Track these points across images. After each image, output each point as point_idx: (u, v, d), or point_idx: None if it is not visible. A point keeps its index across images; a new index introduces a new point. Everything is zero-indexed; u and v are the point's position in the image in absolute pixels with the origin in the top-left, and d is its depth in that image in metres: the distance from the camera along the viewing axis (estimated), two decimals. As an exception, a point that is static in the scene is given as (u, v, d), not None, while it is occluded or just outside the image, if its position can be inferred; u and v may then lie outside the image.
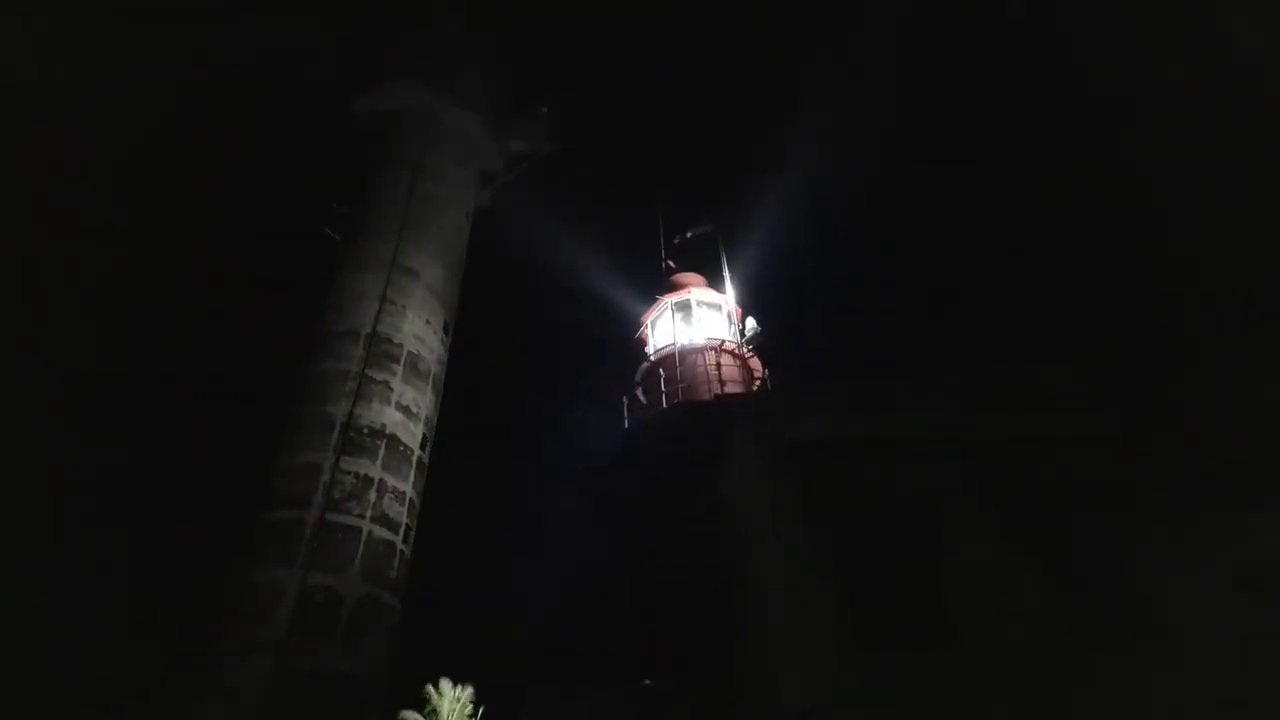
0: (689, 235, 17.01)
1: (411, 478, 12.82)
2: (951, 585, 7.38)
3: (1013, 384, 9.23)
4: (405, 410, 13.08)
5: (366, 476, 11.87)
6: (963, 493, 8.00)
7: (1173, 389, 8.83)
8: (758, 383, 16.18)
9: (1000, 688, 6.79)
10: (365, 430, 12.19)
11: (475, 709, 10.09)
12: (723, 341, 16.88)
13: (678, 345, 16.89)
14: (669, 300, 17.91)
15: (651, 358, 17.21)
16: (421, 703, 9.91)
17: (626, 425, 16.50)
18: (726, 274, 15.86)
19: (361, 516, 11.52)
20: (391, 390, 12.92)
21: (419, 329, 14.19)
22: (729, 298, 16.90)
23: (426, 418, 13.86)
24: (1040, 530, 7.77)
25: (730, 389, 14.45)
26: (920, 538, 7.69)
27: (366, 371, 12.68)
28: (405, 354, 13.57)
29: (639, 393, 17.21)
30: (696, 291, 17.84)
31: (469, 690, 10.13)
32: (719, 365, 14.99)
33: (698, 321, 17.27)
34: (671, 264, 18.49)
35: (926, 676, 6.87)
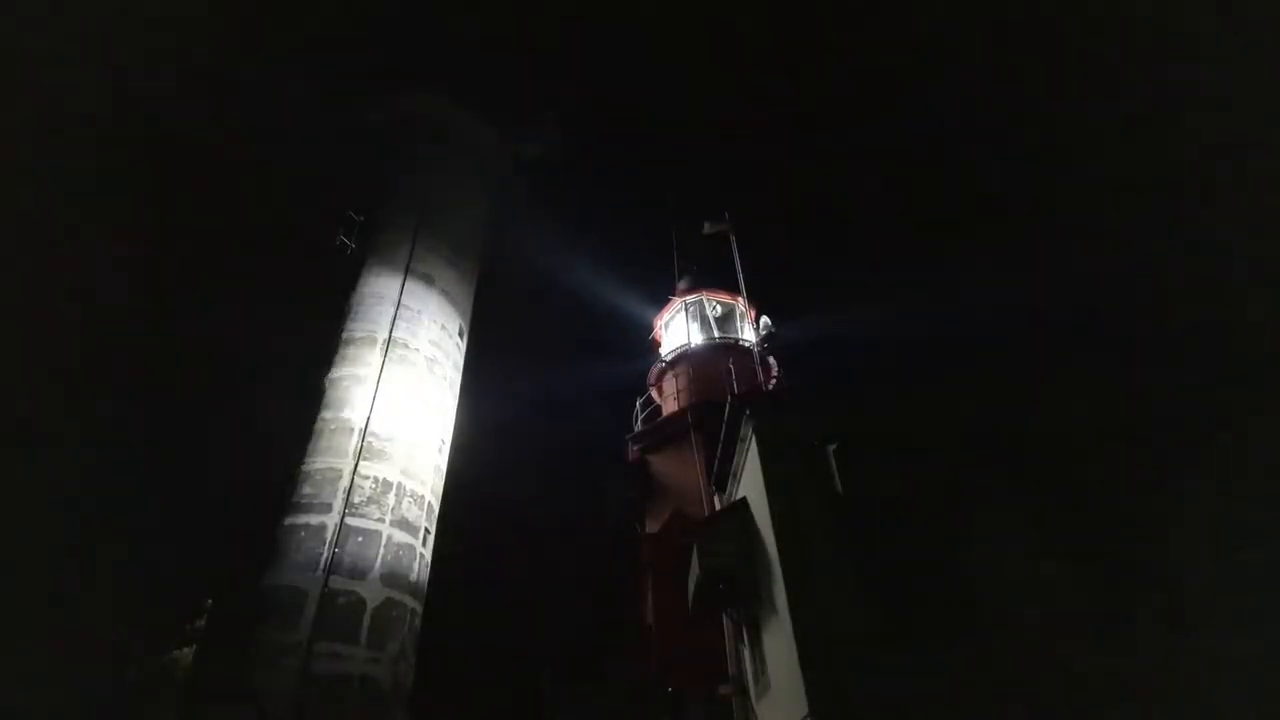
0: (704, 231, 17.03)
1: (430, 482, 12.91)
2: (976, 580, 7.35)
3: (1037, 376, 9.20)
4: (423, 414, 13.18)
5: (385, 481, 11.97)
6: (986, 487, 7.96)
7: (1197, 382, 8.77)
8: (773, 381, 16.18)
9: (1028, 683, 6.77)
10: (384, 435, 12.30)
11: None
12: (737, 340, 16.89)
13: (691, 345, 16.92)
14: (682, 300, 17.95)
15: (665, 358, 17.25)
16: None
17: (640, 427, 16.55)
18: (739, 272, 15.84)
19: (381, 520, 11.63)
20: (409, 395, 13.03)
21: (435, 334, 14.31)
22: (742, 296, 16.91)
23: (444, 422, 13.97)
24: (1066, 524, 7.72)
25: (745, 387, 14.44)
26: (943, 533, 7.66)
27: (384, 377, 12.79)
28: (422, 359, 13.69)
29: (653, 393, 17.26)
30: (709, 291, 17.87)
31: None
32: (733, 364, 14.99)
33: (711, 321, 17.29)
34: (695, 267, 18.51)
35: (953, 673, 6.85)
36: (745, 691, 10.09)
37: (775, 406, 9.71)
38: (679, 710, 11.98)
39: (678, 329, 17.72)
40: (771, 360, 16.28)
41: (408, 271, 14.41)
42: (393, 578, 11.39)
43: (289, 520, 11.18)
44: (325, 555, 10.88)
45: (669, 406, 16.19)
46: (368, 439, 12.10)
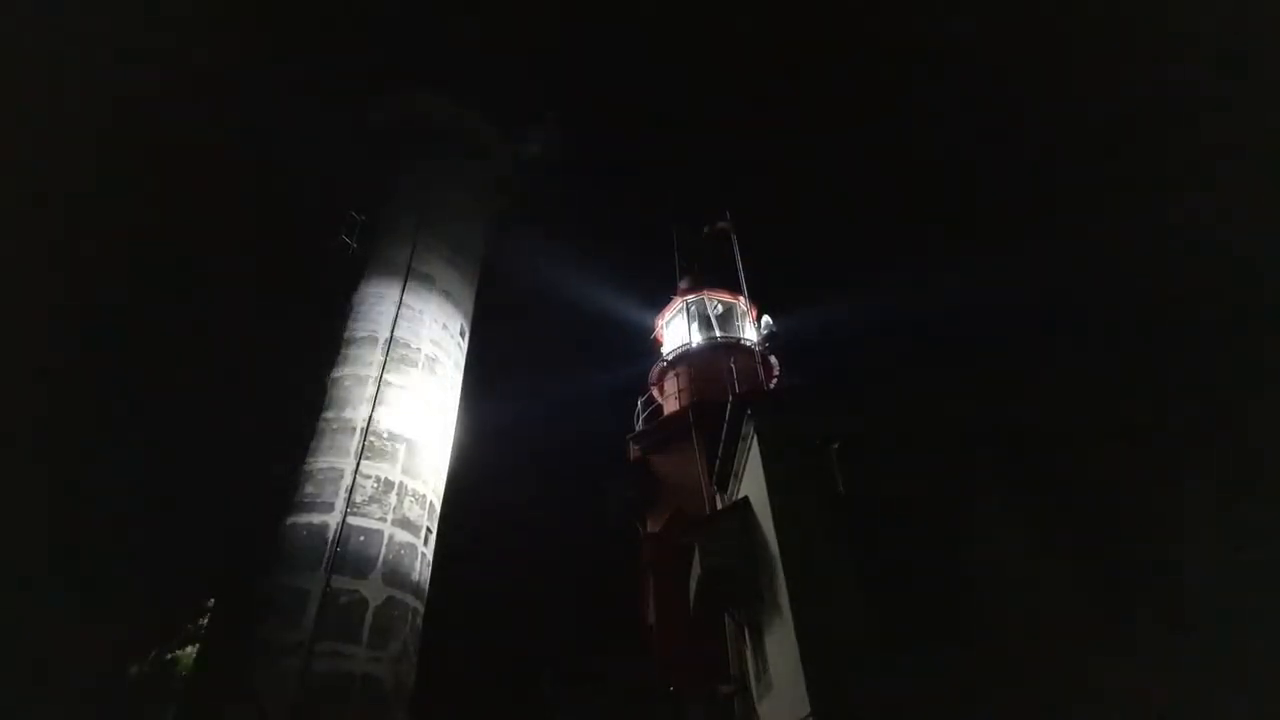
0: (705, 232, 17.06)
1: (431, 481, 12.92)
2: (976, 580, 7.37)
3: (1037, 376, 9.22)
4: (424, 414, 13.19)
5: (387, 480, 11.98)
6: (986, 487, 7.98)
7: (1197, 382, 8.79)
8: (774, 380, 16.20)
9: (1028, 683, 6.78)
10: (385, 434, 12.31)
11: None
12: (738, 339, 16.90)
13: (692, 344, 16.93)
14: (683, 300, 17.95)
15: (666, 358, 17.26)
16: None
17: (641, 426, 16.56)
18: (741, 271, 15.88)
19: (383, 520, 11.64)
20: (411, 394, 13.04)
21: (436, 333, 14.32)
22: (743, 295, 16.93)
23: (445, 422, 13.98)
24: (1066, 524, 7.74)
25: (746, 387, 14.45)
26: (943, 533, 7.67)
27: (386, 376, 12.80)
28: (423, 358, 13.70)
29: (654, 392, 17.27)
30: (710, 290, 17.88)
31: None
32: (734, 363, 14.99)
33: (712, 320, 17.30)
34: (696, 266, 18.55)
35: (953, 673, 6.87)
36: (747, 691, 10.10)
37: (776, 406, 9.72)
38: (680, 710, 12.00)
39: (679, 328, 17.72)
40: (773, 359, 16.30)
41: (409, 271, 14.42)
42: (394, 577, 11.40)
43: (291, 520, 11.18)
44: (327, 554, 10.89)
45: (670, 406, 16.20)
46: (369, 438, 12.10)
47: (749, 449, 9.49)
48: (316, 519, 11.19)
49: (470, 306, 16.17)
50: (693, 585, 10.43)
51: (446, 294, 15.04)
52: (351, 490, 11.53)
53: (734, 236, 16.44)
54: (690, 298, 17.83)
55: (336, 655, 10.30)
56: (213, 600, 13.31)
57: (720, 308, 17.62)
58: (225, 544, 14.58)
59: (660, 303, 18.63)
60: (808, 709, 6.77)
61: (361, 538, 11.28)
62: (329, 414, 12.26)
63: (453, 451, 14.31)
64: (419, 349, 13.68)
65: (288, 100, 18.61)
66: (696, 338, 17.04)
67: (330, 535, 11.04)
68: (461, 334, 15.39)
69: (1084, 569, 7.45)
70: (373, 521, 11.50)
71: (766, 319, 15.42)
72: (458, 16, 19.82)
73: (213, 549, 16.33)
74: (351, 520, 11.30)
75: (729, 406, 9.93)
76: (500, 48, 20.29)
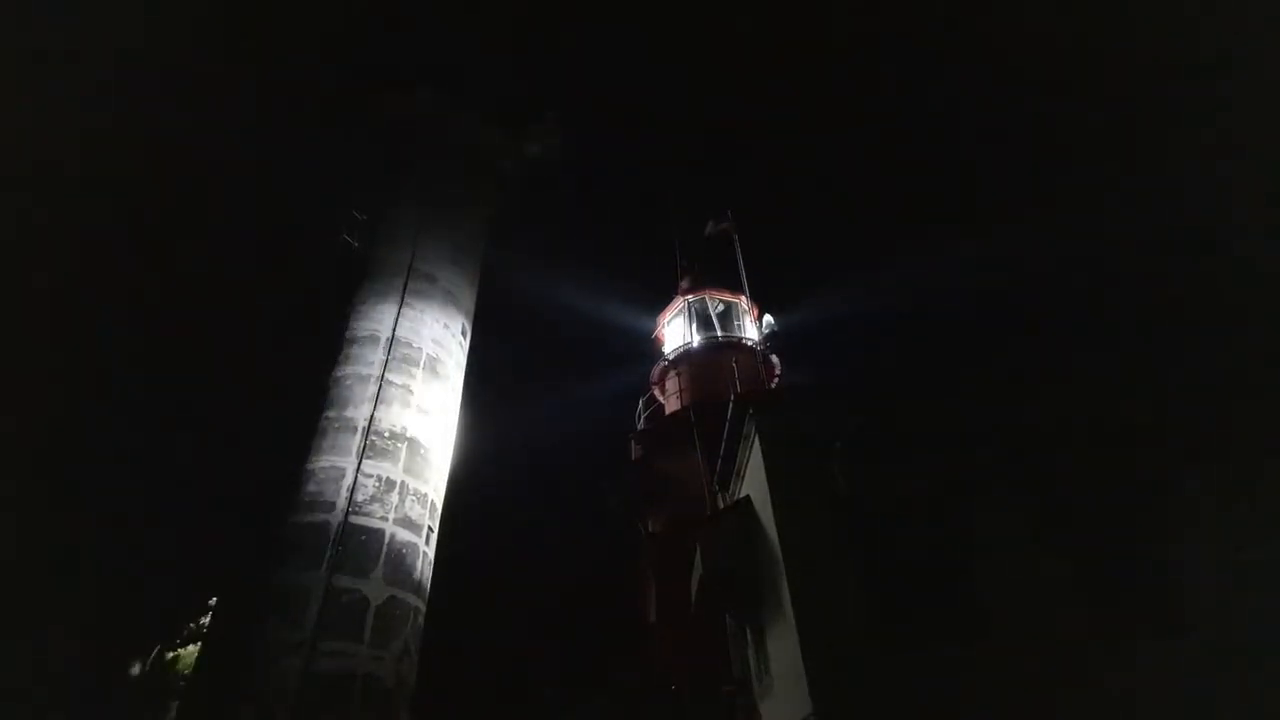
0: (707, 230, 17.11)
1: (432, 480, 12.92)
2: (976, 580, 7.39)
3: (1037, 376, 9.25)
4: (425, 413, 13.19)
5: (388, 479, 11.98)
6: (986, 487, 8.00)
7: (1197, 382, 8.81)
8: (775, 380, 16.22)
9: (1027, 682, 6.80)
10: (387, 434, 12.31)
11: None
12: (739, 339, 16.93)
13: (694, 344, 16.95)
14: (684, 299, 17.97)
15: (667, 357, 17.28)
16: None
17: (643, 426, 16.59)
18: (742, 270, 15.90)
19: (384, 519, 11.63)
20: (412, 393, 13.03)
21: (437, 333, 14.31)
22: (745, 295, 16.95)
23: (446, 421, 13.98)
24: (1066, 524, 7.76)
25: (747, 386, 14.47)
26: (944, 533, 7.69)
27: (387, 375, 12.79)
28: (425, 357, 13.69)
29: (655, 392, 17.29)
30: (712, 290, 17.91)
31: None
32: (736, 363, 15.02)
33: (714, 319, 17.33)
34: (697, 266, 18.59)
35: (953, 673, 6.89)
36: (748, 691, 10.13)
37: (778, 405, 9.75)
38: (680, 710, 12.02)
39: (680, 327, 17.75)
40: (774, 359, 16.32)
41: (410, 270, 14.40)
42: (396, 576, 11.39)
43: (292, 519, 11.16)
44: (328, 553, 10.88)
45: (671, 405, 16.23)
46: (371, 437, 12.09)
47: (750, 449, 9.50)
48: (318, 518, 11.17)
49: (472, 306, 16.16)
50: (694, 585, 10.45)
51: (448, 293, 15.03)
52: (353, 489, 11.52)
53: (735, 236, 16.47)
54: (691, 297, 17.86)
55: (338, 654, 10.29)
56: (213, 599, 13.30)
57: (721, 306, 17.65)
58: (225, 544, 14.58)
59: (661, 302, 18.67)
60: (809, 708, 6.79)
61: (363, 537, 11.26)
62: (330, 413, 12.25)
63: (454, 451, 14.31)
64: (420, 348, 13.67)
65: (288, 99, 18.60)
66: (698, 337, 17.07)
67: (332, 534, 11.03)
68: (463, 333, 15.38)
69: (1084, 569, 7.47)
70: (374, 520, 11.49)
71: (768, 318, 15.45)
72: (458, 16, 19.81)
73: (213, 549, 16.34)
74: (353, 519, 11.28)
75: (730, 406, 9.94)
76: (500, 48, 20.27)
